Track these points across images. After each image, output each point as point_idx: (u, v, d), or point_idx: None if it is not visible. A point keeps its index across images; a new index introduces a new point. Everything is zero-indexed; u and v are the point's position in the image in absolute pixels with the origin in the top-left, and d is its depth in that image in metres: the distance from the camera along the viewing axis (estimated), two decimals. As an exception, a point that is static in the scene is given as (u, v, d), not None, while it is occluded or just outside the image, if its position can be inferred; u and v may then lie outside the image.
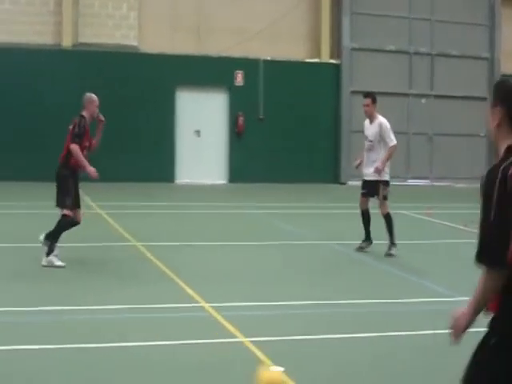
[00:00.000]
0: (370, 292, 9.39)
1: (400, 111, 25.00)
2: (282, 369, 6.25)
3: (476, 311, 3.61)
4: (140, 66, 22.87)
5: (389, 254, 11.74)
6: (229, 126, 23.98)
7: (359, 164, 12.22)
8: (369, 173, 11.93)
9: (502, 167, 3.47)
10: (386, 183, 11.94)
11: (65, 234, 10.47)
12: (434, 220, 16.11)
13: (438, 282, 10.01)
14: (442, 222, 15.90)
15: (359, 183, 12.61)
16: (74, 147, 10.40)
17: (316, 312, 8.44)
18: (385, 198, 11.90)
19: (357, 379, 6.29)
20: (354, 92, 24.31)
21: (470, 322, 3.63)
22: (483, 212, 3.49)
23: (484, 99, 25.54)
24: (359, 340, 7.46)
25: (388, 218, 11.84)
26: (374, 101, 11.91)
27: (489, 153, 25.76)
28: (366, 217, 12.03)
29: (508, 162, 3.49)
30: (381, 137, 11.82)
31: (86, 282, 9.53)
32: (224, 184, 23.92)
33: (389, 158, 11.85)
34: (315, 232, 13.69)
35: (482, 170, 25.31)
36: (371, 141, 11.89)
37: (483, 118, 25.50)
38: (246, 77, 23.91)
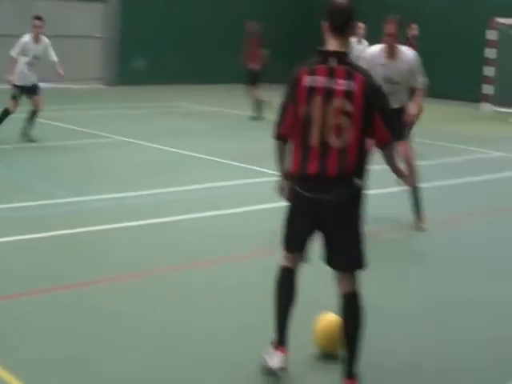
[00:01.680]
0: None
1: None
2: None
3: (280, 172, 4.95)
4: None
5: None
6: None
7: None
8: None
9: (300, 67, 4.71)
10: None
11: None
12: (55, 123, 16.33)
13: (56, 185, 10.47)
14: (62, 124, 16.20)
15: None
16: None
17: None
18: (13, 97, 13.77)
19: None
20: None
21: (282, 182, 4.97)
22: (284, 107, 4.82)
23: (99, 1, 25.84)
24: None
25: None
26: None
27: (105, 53, 26.23)
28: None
29: (307, 63, 4.70)
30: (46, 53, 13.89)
31: None
32: None
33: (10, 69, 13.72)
34: None
35: (98, 70, 25.87)
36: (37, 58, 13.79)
37: (98, 18, 25.90)
38: None
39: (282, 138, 4.81)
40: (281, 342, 4.91)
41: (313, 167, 4.60)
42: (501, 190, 11.79)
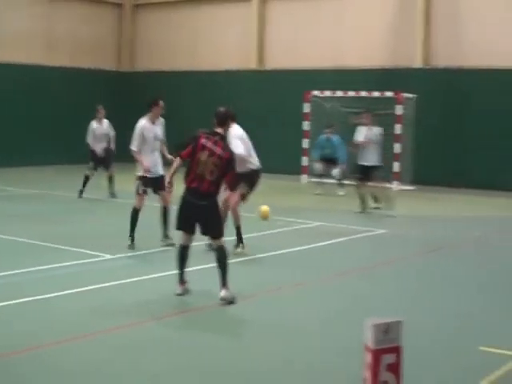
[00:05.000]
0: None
1: None
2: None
3: (171, 174, 9.29)
4: None
5: None
6: None
7: None
8: None
9: (201, 132, 9.03)
10: None
11: None
12: None
13: None
14: None
15: None
16: None
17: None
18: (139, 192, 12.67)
19: None
20: None
21: (170, 178, 9.34)
22: (186, 145, 9.04)
23: None
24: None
25: None
26: None
27: None
28: None
29: (206, 132, 9.01)
30: None
31: None
32: None
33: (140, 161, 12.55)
34: None
35: None
36: None
37: None
38: None
39: (182, 158, 9.01)
40: (181, 281, 9.12)
41: (194, 184, 8.83)
42: (330, 256, 12.34)
